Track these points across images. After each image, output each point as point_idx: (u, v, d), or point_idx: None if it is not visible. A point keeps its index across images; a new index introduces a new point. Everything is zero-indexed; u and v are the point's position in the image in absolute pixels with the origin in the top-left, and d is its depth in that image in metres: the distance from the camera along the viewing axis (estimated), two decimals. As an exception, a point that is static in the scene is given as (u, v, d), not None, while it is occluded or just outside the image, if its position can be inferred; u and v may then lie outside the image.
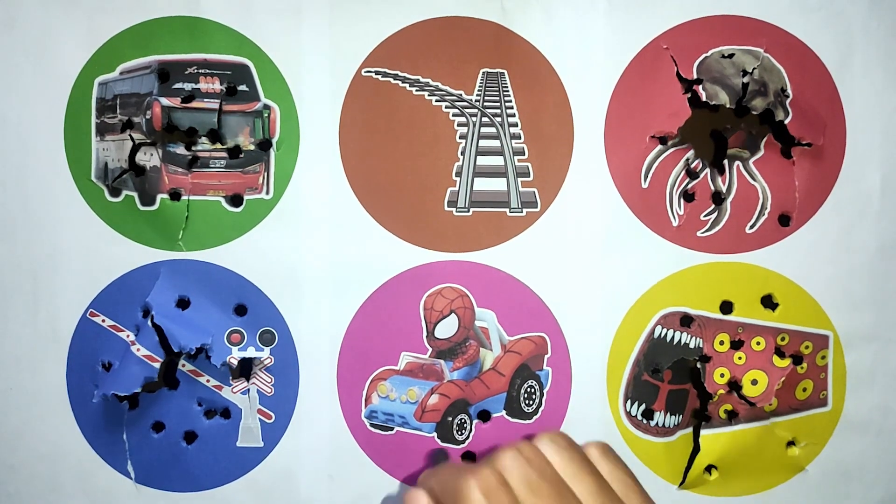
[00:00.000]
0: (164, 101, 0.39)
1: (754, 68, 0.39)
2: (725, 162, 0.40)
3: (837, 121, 0.40)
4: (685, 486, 0.41)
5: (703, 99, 0.39)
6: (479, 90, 0.40)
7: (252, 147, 0.40)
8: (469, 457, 0.41)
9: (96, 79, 0.39)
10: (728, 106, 0.39)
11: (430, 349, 0.40)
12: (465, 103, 0.40)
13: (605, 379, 0.40)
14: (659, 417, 0.41)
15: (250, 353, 0.40)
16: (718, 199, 0.40)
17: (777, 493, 0.41)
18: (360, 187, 0.40)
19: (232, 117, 0.39)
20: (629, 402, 0.41)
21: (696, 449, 0.41)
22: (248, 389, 0.40)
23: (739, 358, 0.40)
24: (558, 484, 0.27)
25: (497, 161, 0.40)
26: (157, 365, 0.39)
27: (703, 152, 0.40)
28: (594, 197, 0.40)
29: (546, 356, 0.40)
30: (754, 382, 0.40)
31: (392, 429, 0.40)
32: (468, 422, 0.41)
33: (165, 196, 0.40)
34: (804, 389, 0.41)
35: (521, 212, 0.40)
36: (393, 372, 0.40)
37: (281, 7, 0.39)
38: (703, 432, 0.41)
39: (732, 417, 0.40)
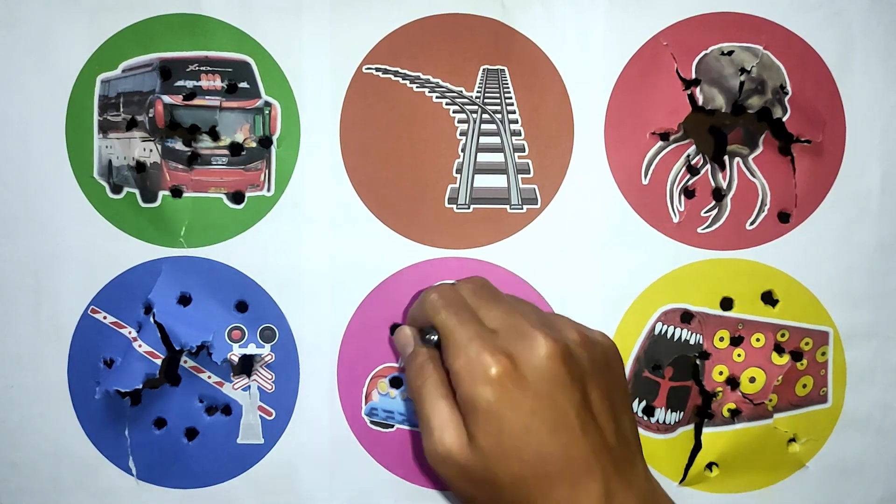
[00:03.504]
0: (167, 98, 0.39)
1: (752, 66, 0.39)
2: (726, 158, 0.40)
3: (837, 118, 0.40)
4: (686, 483, 0.41)
5: (700, 103, 0.39)
6: (479, 87, 0.40)
7: (253, 144, 0.40)
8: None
9: (98, 76, 0.39)
10: (724, 110, 0.39)
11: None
12: (466, 100, 0.40)
13: (605, 375, 0.40)
14: (660, 414, 0.41)
15: (251, 349, 0.40)
16: (719, 195, 0.40)
17: (777, 489, 0.41)
18: (361, 184, 0.40)
19: (231, 114, 0.39)
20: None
21: (698, 446, 0.41)
22: (249, 386, 0.40)
23: (739, 355, 0.40)
24: (497, 292, 0.35)
25: (497, 158, 0.40)
26: (158, 361, 0.39)
27: (704, 147, 0.40)
28: (594, 193, 0.40)
29: (546, 353, 0.40)
30: (752, 380, 0.40)
31: (392, 426, 0.41)
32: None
33: (167, 193, 0.40)
34: (804, 386, 0.41)
35: (522, 208, 0.40)
36: (393, 369, 0.40)
37: (282, 4, 0.39)
38: (705, 430, 0.41)
39: (735, 416, 0.40)
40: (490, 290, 0.35)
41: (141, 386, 0.39)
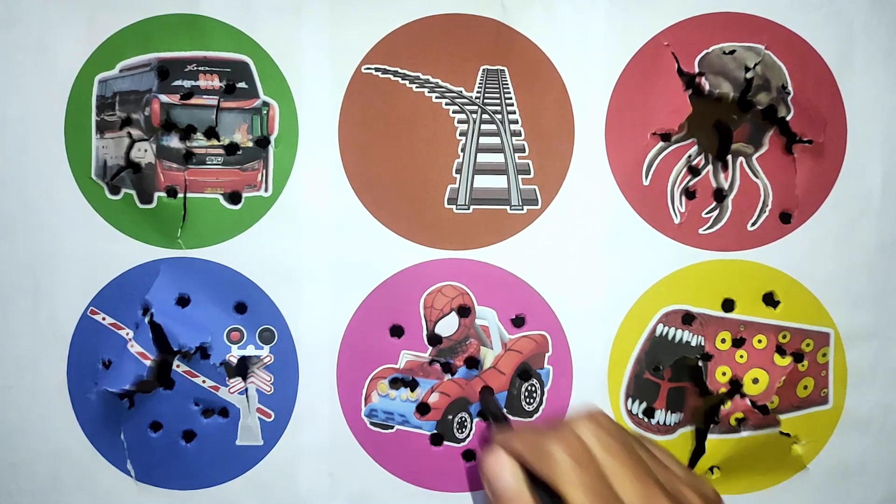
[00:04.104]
0: (164, 97, 0.39)
1: (756, 64, 0.39)
2: (728, 158, 0.40)
3: (838, 118, 0.40)
4: (686, 485, 0.41)
5: (707, 90, 0.39)
6: (479, 87, 0.40)
7: (250, 144, 0.40)
8: (469, 456, 0.41)
9: (96, 76, 0.39)
10: (732, 94, 0.39)
11: (431, 347, 0.40)
12: (466, 100, 0.40)
13: (606, 377, 0.40)
14: (660, 416, 0.40)
15: (250, 351, 0.40)
16: (720, 196, 0.40)
17: (778, 490, 0.41)
18: (360, 185, 0.40)
19: (229, 114, 0.39)
20: (630, 400, 0.40)
21: (701, 451, 0.40)
22: (246, 389, 0.40)
23: (741, 356, 0.40)
24: (629, 446, 0.29)
25: (497, 158, 0.40)
26: (148, 363, 0.39)
27: (708, 146, 0.40)
28: (595, 194, 0.40)
29: (547, 354, 0.40)
30: (755, 381, 0.40)
31: (392, 427, 0.40)
32: (468, 420, 0.40)
33: (162, 194, 0.40)
34: (805, 387, 0.41)
35: (522, 209, 0.40)
36: (393, 370, 0.40)
37: (280, 4, 0.39)
38: (710, 437, 0.40)
39: (741, 423, 0.40)
40: (617, 440, 0.29)
41: (130, 387, 0.39)
